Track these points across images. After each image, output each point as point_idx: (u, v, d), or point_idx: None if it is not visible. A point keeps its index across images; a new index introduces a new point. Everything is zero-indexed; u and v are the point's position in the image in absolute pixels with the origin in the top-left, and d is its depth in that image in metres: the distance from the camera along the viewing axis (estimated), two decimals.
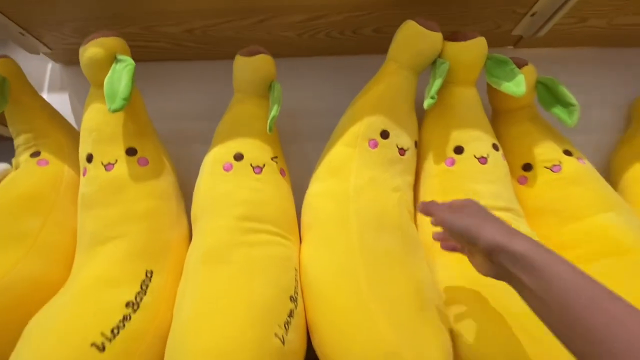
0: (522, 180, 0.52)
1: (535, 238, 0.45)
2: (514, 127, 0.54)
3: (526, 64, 0.51)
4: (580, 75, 0.63)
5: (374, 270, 0.38)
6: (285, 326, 0.35)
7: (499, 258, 0.27)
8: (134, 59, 0.46)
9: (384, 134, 0.47)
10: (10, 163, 0.52)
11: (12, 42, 0.57)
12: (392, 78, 0.49)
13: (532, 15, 0.54)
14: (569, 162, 0.49)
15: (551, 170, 0.50)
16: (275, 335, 0.34)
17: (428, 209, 0.34)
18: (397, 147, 0.47)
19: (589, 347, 0.21)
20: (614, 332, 0.20)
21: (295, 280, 0.41)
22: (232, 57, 0.51)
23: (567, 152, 0.50)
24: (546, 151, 0.51)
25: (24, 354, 0.33)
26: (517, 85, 0.46)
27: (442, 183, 0.48)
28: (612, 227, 0.43)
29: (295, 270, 0.43)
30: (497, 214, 0.44)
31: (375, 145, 0.46)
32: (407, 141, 0.48)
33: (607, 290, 0.22)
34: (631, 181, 0.53)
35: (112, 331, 0.35)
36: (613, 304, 0.21)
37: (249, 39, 0.57)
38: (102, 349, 0.34)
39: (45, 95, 0.64)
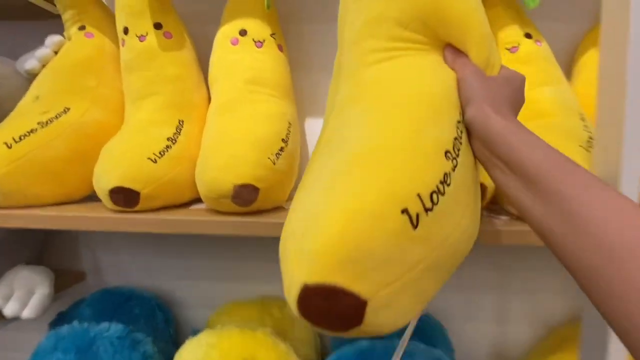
0: None
1: None
2: (487, 11, 0.60)
3: None
4: None
5: None
6: (276, 155, 0.50)
7: (475, 133, 0.27)
8: None
9: None
10: (63, 36, 0.65)
11: None
12: None
13: None
14: (526, 44, 0.57)
15: (510, 51, 0.58)
16: (269, 158, 0.49)
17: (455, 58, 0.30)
18: None
19: (568, 226, 0.20)
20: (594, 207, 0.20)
21: (288, 129, 0.55)
22: None
23: (528, 35, 0.58)
24: (509, 34, 0.58)
25: (102, 164, 0.51)
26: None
27: None
28: (542, 97, 0.53)
29: (289, 123, 0.56)
30: None
31: None
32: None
33: (594, 178, 0.21)
34: (583, 66, 0.61)
35: (160, 152, 0.51)
36: (605, 191, 0.21)
37: None
38: (155, 162, 0.50)
39: None
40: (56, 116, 0.55)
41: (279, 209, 0.53)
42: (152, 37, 0.58)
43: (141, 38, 0.58)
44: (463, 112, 0.29)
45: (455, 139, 0.26)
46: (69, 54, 0.61)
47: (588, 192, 0.21)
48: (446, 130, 0.26)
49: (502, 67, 0.33)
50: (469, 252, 0.27)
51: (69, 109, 0.56)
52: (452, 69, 0.31)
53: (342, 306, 0.20)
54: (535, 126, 0.50)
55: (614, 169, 0.36)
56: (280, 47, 0.61)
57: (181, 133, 0.56)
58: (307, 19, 0.68)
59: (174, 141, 0.54)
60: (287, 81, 0.62)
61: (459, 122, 0.28)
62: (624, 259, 0.17)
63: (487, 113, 0.26)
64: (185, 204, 0.55)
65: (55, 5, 0.64)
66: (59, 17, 0.64)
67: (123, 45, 0.59)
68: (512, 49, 0.58)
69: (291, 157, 0.55)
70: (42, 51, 0.61)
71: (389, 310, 0.21)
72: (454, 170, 0.25)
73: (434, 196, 0.23)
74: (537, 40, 0.58)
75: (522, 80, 0.32)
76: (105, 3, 0.68)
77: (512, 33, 0.58)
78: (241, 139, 0.50)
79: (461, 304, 0.71)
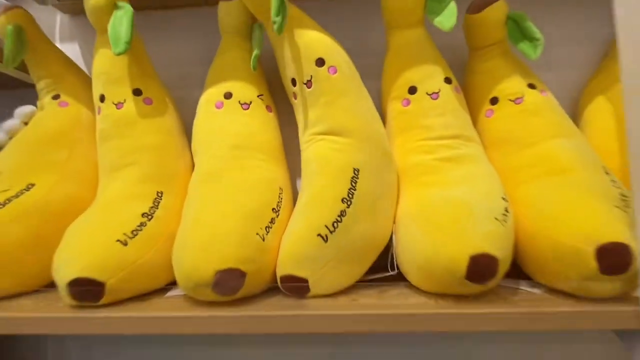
0: (489, 114, 0.56)
1: (485, 161, 0.50)
2: (485, 64, 0.57)
3: (497, 0, 0.54)
4: (554, 12, 0.64)
5: None
6: (266, 229, 0.44)
7: None
8: (137, 8, 0.51)
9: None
10: (36, 106, 0.60)
11: None
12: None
13: None
14: (531, 95, 0.53)
15: (514, 103, 0.54)
16: (257, 234, 0.42)
17: None
18: None
19: None
20: None
21: (279, 196, 0.49)
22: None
23: (531, 86, 0.54)
24: (511, 85, 0.54)
25: (63, 250, 0.43)
26: (448, 18, 0.48)
27: (399, 124, 0.54)
28: (558, 150, 0.48)
29: (280, 188, 0.51)
30: (445, 142, 0.50)
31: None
32: None
33: None
34: (592, 115, 0.57)
35: (132, 232, 0.45)
36: None
37: None
38: (125, 244, 0.43)
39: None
40: (17, 194, 0.49)
41: (271, 292, 0.45)
42: (131, 104, 0.53)
43: (118, 105, 0.53)
44: None
45: (350, 189, 0.42)
46: (39, 125, 0.56)
47: None
48: (342, 185, 0.43)
49: None
50: (379, 244, 0.45)
51: (33, 184, 0.50)
52: None
53: (296, 282, 0.40)
54: (558, 184, 0.45)
55: None
56: (268, 108, 0.57)
57: (159, 207, 0.49)
58: None
59: (150, 217, 0.48)
60: (277, 142, 0.57)
61: (352, 177, 0.43)
62: None
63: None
64: (163, 289, 0.47)
65: (28, 74, 0.60)
66: (33, 85, 0.61)
67: (99, 114, 0.55)
68: (517, 100, 0.54)
69: (283, 228, 0.48)
70: (10, 123, 0.57)
71: (322, 284, 0.41)
72: (348, 207, 0.41)
73: (335, 224, 0.41)
74: (542, 90, 0.54)
75: None
76: (85, 70, 0.65)
77: (514, 84, 0.55)
78: (225, 213, 0.43)
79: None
